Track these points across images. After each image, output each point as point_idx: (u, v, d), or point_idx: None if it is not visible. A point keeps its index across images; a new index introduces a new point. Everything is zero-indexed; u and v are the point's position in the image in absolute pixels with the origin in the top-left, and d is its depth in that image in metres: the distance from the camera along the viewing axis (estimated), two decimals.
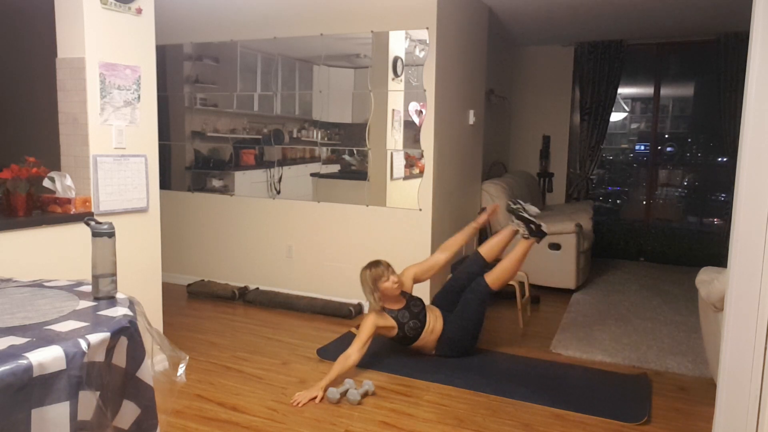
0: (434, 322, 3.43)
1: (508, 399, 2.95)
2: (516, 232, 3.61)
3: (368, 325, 3.19)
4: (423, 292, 4.22)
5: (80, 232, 2.68)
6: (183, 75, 5.01)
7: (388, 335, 3.34)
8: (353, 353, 3.10)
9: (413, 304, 3.40)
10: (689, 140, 6.65)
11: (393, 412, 2.81)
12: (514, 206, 3.61)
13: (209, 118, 4.97)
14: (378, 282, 3.26)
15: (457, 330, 3.41)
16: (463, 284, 3.53)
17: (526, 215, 3.54)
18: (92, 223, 1.81)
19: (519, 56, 6.89)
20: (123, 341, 1.57)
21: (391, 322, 3.30)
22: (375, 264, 3.32)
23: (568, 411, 2.83)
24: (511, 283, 4.15)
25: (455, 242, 3.65)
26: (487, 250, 3.66)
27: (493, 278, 3.46)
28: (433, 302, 3.64)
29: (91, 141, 2.78)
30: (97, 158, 2.80)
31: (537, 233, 3.51)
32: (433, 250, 4.19)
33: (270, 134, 4.73)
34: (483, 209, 4.97)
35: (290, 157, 4.69)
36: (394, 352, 3.51)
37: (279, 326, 4.04)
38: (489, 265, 3.60)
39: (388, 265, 3.33)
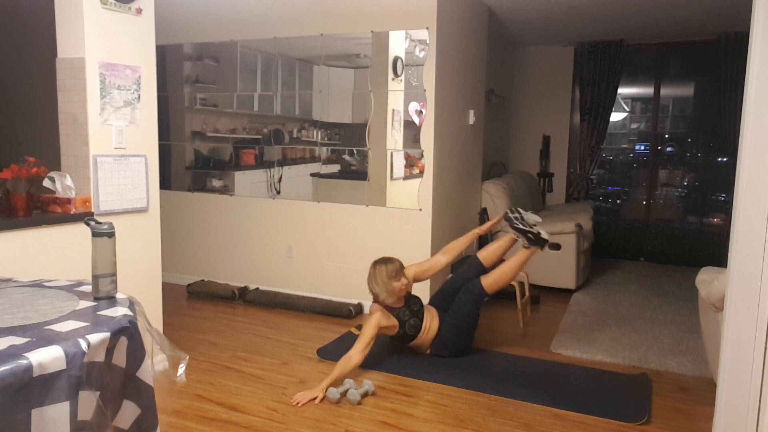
0: (430, 321, 3.44)
1: (508, 399, 2.95)
2: (516, 240, 3.57)
3: (371, 325, 3.18)
4: (423, 291, 4.23)
5: (80, 232, 2.68)
6: (183, 75, 5.01)
7: (388, 334, 3.35)
8: (355, 354, 3.09)
9: (412, 303, 3.42)
10: (689, 140, 6.65)
11: (393, 412, 2.81)
12: (511, 215, 3.54)
13: (209, 118, 4.97)
14: (393, 279, 3.28)
15: (452, 330, 3.42)
16: (459, 285, 3.53)
17: (520, 225, 3.48)
18: (92, 223, 1.81)
19: (519, 56, 6.89)
20: (123, 341, 1.57)
21: (394, 321, 3.30)
22: (390, 260, 3.35)
23: (568, 411, 2.83)
24: (511, 283, 4.16)
25: (457, 246, 3.64)
26: (485, 255, 3.64)
27: (489, 282, 3.45)
28: (431, 302, 3.65)
29: (91, 141, 2.78)
30: (97, 158, 2.80)
31: (537, 242, 3.45)
32: (433, 250, 4.19)
33: (270, 134, 4.73)
34: (483, 210, 4.97)
35: (290, 157, 4.69)
36: (394, 352, 3.51)
37: (279, 326, 4.04)
38: (486, 269, 3.59)
39: (402, 265, 3.38)
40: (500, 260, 3.62)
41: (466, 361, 3.42)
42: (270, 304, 4.48)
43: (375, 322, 3.19)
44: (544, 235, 3.46)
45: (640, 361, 3.49)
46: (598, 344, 3.75)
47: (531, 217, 3.54)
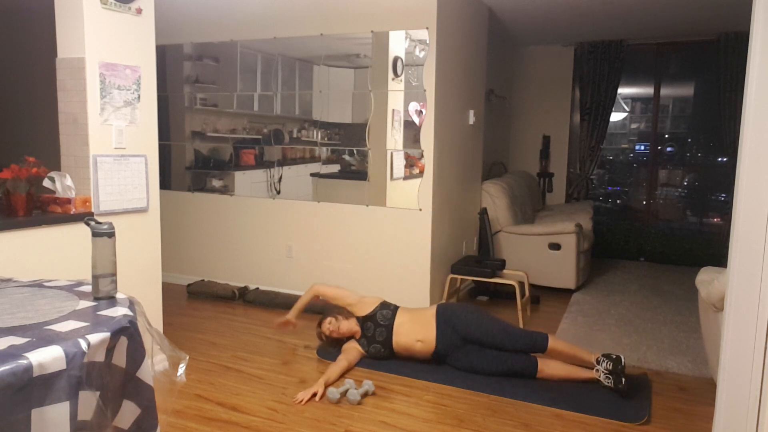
0: (420, 333, 3.29)
1: (508, 399, 2.95)
2: (594, 366, 3.10)
3: (339, 360, 3.27)
4: (423, 293, 4.23)
5: (80, 232, 2.68)
6: (183, 75, 5.01)
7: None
8: (336, 369, 3.18)
9: (366, 329, 3.39)
10: (689, 140, 6.65)
11: (393, 412, 2.81)
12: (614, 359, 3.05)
13: (209, 118, 4.97)
14: (319, 327, 3.52)
15: (466, 365, 3.25)
16: (504, 345, 3.18)
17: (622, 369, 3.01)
18: (92, 223, 1.81)
19: (519, 56, 6.89)
20: (123, 341, 1.57)
21: (355, 354, 3.36)
22: (326, 314, 3.52)
23: (568, 411, 2.83)
24: (511, 282, 4.17)
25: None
26: (556, 345, 3.20)
27: (542, 373, 3.14)
28: (441, 321, 3.30)
29: (91, 141, 2.78)
30: (97, 158, 2.80)
31: (618, 387, 2.96)
32: (432, 250, 4.20)
33: (270, 134, 4.73)
34: (483, 210, 4.97)
35: (290, 157, 4.69)
36: None
37: None
38: (542, 353, 3.20)
39: (326, 315, 3.50)
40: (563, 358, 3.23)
41: None
42: (270, 304, 4.48)
43: (342, 358, 3.28)
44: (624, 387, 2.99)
45: (640, 361, 3.49)
46: (598, 344, 3.75)
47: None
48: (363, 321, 3.39)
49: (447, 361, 3.32)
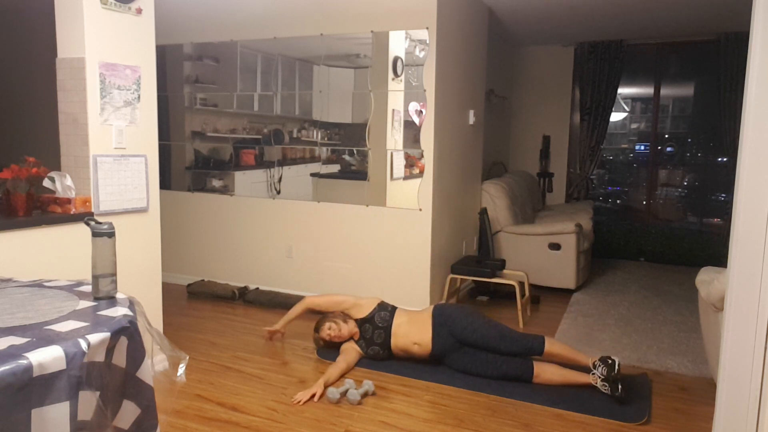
0: (417, 336, 3.29)
1: (508, 399, 2.95)
2: (591, 372, 3.07)
3: (339, 361, 3.27)
4: (423, 293, 4.23)
5: (80, 232, 2.68)
6: (183, 75, 5.01)
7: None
8: (335, 370, 3.18)
9: (364, 331, 3.39)
10: (689, 140, 6.65)
11: (393, 412, 2.81)
12: (611, 362, 3.02)
13: (209, 118, 4.97)
14: (317, 332, 3.50)
15: (462, 366, 3.25)
16: (499, 349, 3.17)
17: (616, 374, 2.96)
18: (92, 223, 1.81)
19: (519, 56, 6.89)
20: (123, 341, 1.57)
21: (354, 355, 3.36)
22: (323, 317, 3.50)
23: (568, 411, 2.83)
24: (511, 283, 4.17)
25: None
26: (553, 347, 3.18)
27: (538, 378, 3.12)
28: (437, 327, 3.29)
29: (91, 141, 2.78)
30: (97, 158, 2.80)
31: (615, 395, 2.92)
32: (432, 250, 4.19)
33: (270, 134, 4.73)
34: (483, 209, 4.97)
35: (290, 157, 4.69)
36: None
37: None
38: (540, 356, 3.18)
39: (326, 317, 3.48)
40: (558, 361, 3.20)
41: None
42: (270, 304, 4.48)
43: (341, 359, 3.28)
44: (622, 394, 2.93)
45: (640, 361, 3.49)
46: (598, 344, 3.75)
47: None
48: (361, 323, 3.39)
49: (444, 362, 3.32)
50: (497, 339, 3.17)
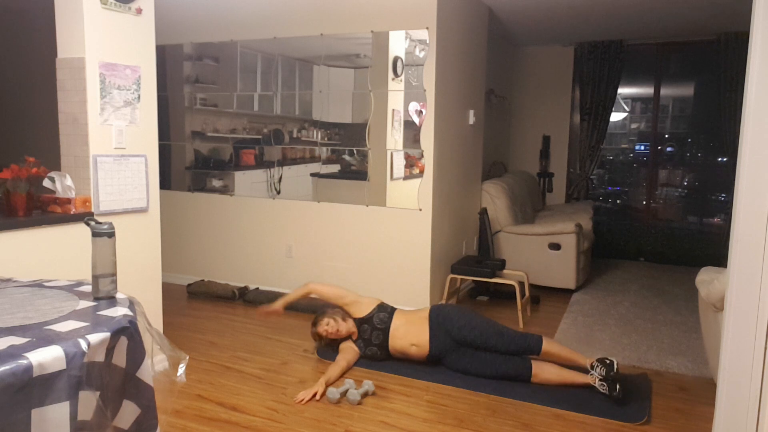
0: (414, 337, 3.28)
1: (508, 399, 2.95)
2: (589, 372, 3.07)
3: (338, 360, 3.27)
4: (423, 293, 4.23)
5: (80, 232, 2.68)
6: (183, 75, 5.01)
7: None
8: (336, 369, 3.18)
9: (362, 330, 3.39)
10: (689, 140, 6.65)
11: (393, 412, 2.81)
12: (609, 363, 3.01)
13: (209, 118, 4.97)
14: (313, 327, 3.46)
15: (460, 367, 3.24)
16: (497, 347, 3.17)
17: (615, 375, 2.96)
18: (92, 223, 1.81)
19: (519, 56, 6.89)
20: (123, 341, 1.57)
21: (352, 354, 3.35)
22: (322, 313, 3.48)
23: (568, 411, 2.83)
24: (511, 283, 4.17)
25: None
26: (550, 347, 3.18)
27: (536, 377, 3.11)
28: (434, 323, 3.30)
29: (91, 141, 2.78)
30: (97, 158, 2.80)
31: (613, 395, 2.90)
32: (432, 250, 4.19)
33: (270, 134, 4.73)
34: (483, 210, 4.97)
35: (290, 157, 4.69)
36: None
37: (279, 326, 4.04)
38: (536, 356, 3.18)
39: (324, 313, 3.46)
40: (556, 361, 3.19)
41: None
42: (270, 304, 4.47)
43: (341, 358, 3.29)
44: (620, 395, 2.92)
45: (640, 361, 3.49)
46: (598, 344, 3.75)
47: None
48: (360, 323, 3.38)
49: (442, 363, 3.32)
50: (495, 337, 3.17)
